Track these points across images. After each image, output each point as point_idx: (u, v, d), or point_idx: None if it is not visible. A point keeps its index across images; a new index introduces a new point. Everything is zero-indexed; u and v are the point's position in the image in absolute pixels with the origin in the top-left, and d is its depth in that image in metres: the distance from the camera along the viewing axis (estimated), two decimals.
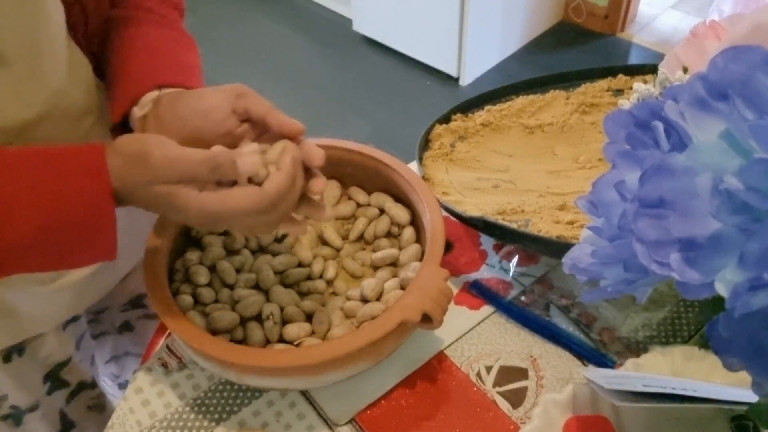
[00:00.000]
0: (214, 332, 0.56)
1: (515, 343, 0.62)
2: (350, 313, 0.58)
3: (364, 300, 0.58)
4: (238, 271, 0.61)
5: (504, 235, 0.63)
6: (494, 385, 0.59)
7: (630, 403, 0.45)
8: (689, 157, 0.27)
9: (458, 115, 0.79)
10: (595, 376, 0.49)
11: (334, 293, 0.61)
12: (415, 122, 0.90)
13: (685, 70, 0.63)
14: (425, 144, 0.76)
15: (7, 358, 0.64)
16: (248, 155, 0.47)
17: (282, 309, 0.58)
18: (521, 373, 0.60)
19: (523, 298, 0.66)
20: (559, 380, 0.59)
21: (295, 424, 0.57)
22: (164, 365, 0.62)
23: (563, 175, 0.73)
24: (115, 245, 0.47)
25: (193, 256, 0.62)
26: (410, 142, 0.78)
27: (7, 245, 0.44)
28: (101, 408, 0.79)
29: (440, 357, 0.61)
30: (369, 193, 0.68)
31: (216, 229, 0.62)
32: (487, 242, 0.72)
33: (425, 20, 2.30)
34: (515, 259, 0.69)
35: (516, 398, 0.58)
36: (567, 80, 0.83)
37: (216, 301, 0.59)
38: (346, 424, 0.57)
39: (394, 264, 0.62)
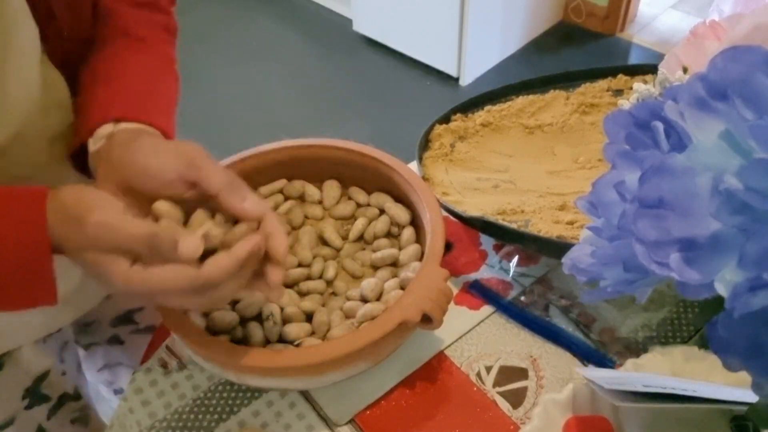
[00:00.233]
0: (214, 332, 0.56)
1: (515, 343, 0.62)
2: (350, 313, 0.58)
3: (364, 300, 0.58)
4: None
5: (504, 235, 0.63)
6: (494, 385, 0.59)
7: (630, 403, 0.45)
8: (689, 157, 0.27)
9: (458, 115, 0.79)
10: (595, 376, 0.49)
11: (334, 293, 0.61)
12: (415, 122, 0.90)
13: (685, 70, 0.63)
14: (425, 144, 0.76)
15: None
16: (193, 239, 0.42)
17: (282, 309, 0.58)
18: (521, 373, 0.60)
19: (523, 298, 0.66)
20: (559, 380, 0.59)
21: (295, 424, 0.57)
22: (164, 365, 0.62)
23: (563, 175, 0.73)
24: (53, 293, 0.45)
25: None
26: (410, 142, 0.78)
27: None
28: (85, 421, 0.77)
29: (440, 357, 0.61)
30: (369, 193, 0.68)
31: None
32: (487, 242, 0.72)
33: (425, 20, 2.30)
34: (515, 259, 0.69)
35: (516, 398, 0.58)
36: (567, 80, 0.83)
37: None
38: (346, 424, 0.57)
39: (394, 264, 0.62)
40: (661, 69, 0.64)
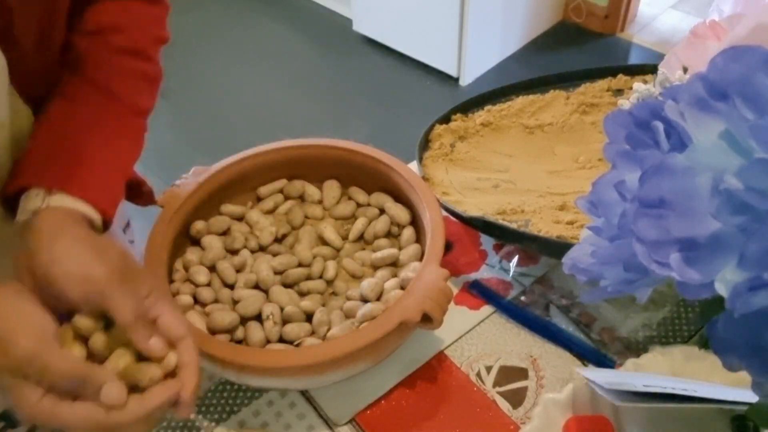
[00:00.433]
0: (214, 332, 0.56)
1: (515, 343, 0.62)
2: (350, 313, 0.58)
3: (364, 300, 0.58)
4: (238, 271, 0.62)
5: (504, 235, 0.63)
6: (494, 385, 0.59)
7: (630, 403, 0.45)
8: (689, 157, 0.27)
9: (458, 115, 0.79)
10: (595, 376, 0.49)
11: (334, 293, 0.61)
12: (415, 122, 0.90)
13: (685, 70, 0.63)
14: (425, 144, 0.76)
15: None
16: (117, 388, 0.41)
17: (282, 309, 0.58)
18: (521, 373, 0.60)
19: (523, 298, 0.66)
20: (559, 380, 0.59)
21: (295, 424, 0.57)
22: None
23: (563, 175, 0.73)
24: None
25: (193, 256, 0.62)
26: (410, 142, 0.78)
27: None
28: None
29: (440, 357, 0.61)
30: (369, 193, 0.68)
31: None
32: (487, 242, 0.72)
33: (425, 20, 2.30)
34: (515, 259, 0.69)
35: (516, 398, 0.58)
36: (567, 80, 0.83)
37: (216, 301, 0.59)
38: (346, 424, 0.57)
39: (394, 264, 0.62)
40: (661, 69, 0.64)
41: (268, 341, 0.56)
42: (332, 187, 0.69)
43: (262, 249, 0.64)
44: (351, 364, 0.53)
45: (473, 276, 0.69)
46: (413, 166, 0.70)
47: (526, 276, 0.68)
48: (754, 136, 0.26)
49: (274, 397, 0.59)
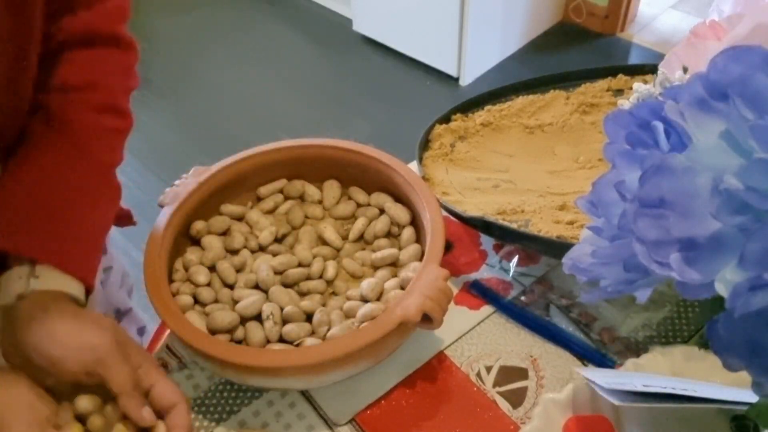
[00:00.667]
0: (214, 332, 0.56)
1: (515, 343, 0.62)
2: (350, 313, 0.58)
3: (364, 300, 0.58)
4: (238, 271, 0.62)
5: (504, 235, 0.63)
6: (494, 385, 0.59)
7: (630, 403, 0.45)
8: (689, 157, 0.27)
9: (458, 115, 0.79)
10: (595, 376, 0.49)
11: (334, 293, 0.61)
12: (415, 122, 0.90)
13: (685, 70, 0.63)
14: (425, 144, 0.76)
15: None
16: None
17: (282, 309, 0.58)
18: (521, 373, 0.60)
19: (523, 298, 0.66)
20: (559, 380, 0.59)
21: (295, 424, 0.57)
22: (164, 365, 0.62)
23: (563, 175, 0.73)
24: None
25: (193, 256, 0.62)
26: (410, 142, 0.78)
27: None
28: None
29: (440, 357, 0.61)
30: (369, 193, 0.68)
31: None
32: (487, 242, 0.72)
33: (425, 20, 2.30)
34: (515, 259, 0.69)
35: (516, 398, 0.58)
36: (567, 80, 0.83)
37: (216, 301, 0.59)
38: (346, 424, 0.57)
39: (394, 264, 0.62)
40: (661, 69, 0.64)
41: (268, 341, 0.56)
42: (332, 187, 0.69)
43: (262, 249, 0.64)
44: (351, 364, 0.53)
45: (473, 276, 0.69)
46: (413, 166, 0.70)
47: (526, 276, 0.68)
48: (754, 136, 0.26)
49: (274, 397, 0.59)
